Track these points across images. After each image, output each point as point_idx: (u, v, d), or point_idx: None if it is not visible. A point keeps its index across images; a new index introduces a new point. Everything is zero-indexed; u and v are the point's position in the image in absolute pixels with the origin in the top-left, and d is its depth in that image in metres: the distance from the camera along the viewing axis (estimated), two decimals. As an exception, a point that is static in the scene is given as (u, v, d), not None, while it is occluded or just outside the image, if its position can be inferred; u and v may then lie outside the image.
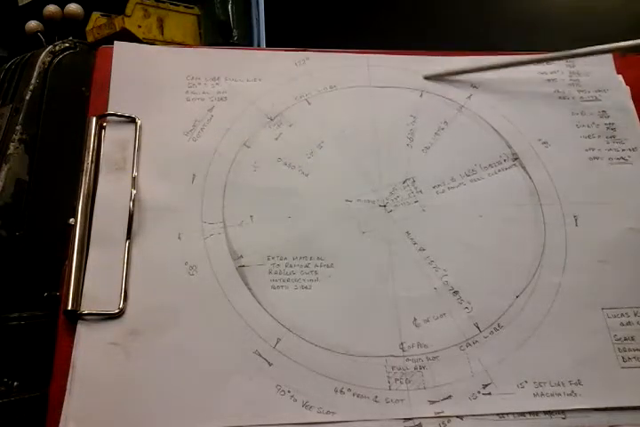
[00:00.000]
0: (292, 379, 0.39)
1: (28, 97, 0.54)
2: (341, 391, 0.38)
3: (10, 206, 0.50)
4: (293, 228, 0.44)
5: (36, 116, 0.54)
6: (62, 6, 0.67)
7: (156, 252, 0.42)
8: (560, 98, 0.51)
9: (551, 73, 0.52)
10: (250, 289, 0.41)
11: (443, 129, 0.49)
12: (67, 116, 0.54)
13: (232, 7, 0.73)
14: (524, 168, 0.48)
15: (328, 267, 0.43)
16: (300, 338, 0.40)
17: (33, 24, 0.67)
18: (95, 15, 0.70)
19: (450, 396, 0.39)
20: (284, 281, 0.42)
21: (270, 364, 0.39)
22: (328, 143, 0.48)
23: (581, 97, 0.51)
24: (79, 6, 0.67)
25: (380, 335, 0.41)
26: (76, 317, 0.39)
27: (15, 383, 0.46)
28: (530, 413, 0.38)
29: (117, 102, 0.47)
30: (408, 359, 0.40)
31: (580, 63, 0.53)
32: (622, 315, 0.42)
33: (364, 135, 0.48)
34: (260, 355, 0.39)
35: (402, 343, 0.40)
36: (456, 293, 0.42)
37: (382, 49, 0.53)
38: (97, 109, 0.46)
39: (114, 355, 0.38)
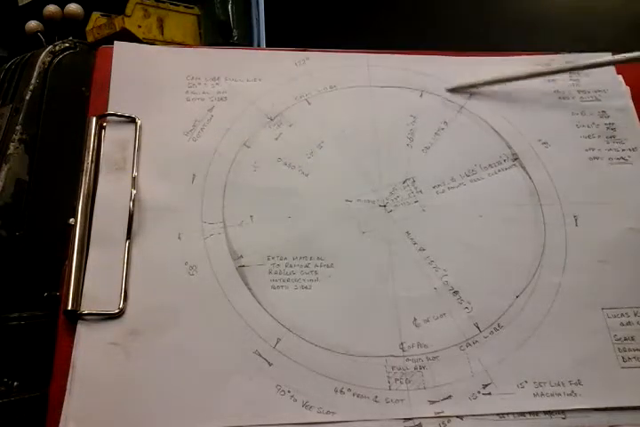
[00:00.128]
0: (292, 379, 0.39)
1: (28, 97, 0.54)
2: (341, 391, 0.38)
3: (10, 206, 0.50)
4: (293, 228, 0.44)
5: (36, 116, 0.54)
6: (62, 6, 0.67)
7: (156, 252, 0.42)
8: (560, 98, 0.51)
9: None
10: (250, 289, 0.41)
11: (443, 129, 0.49)
12: (67, 116, 0.54)
13: (232, 7, 0.73)
14: (523, 168, 0.48)
15: (328, 267, 0.43)
16: (300, 338, 0.40)
17: (33, 24, 0.67)
18: (95, 15, 0.70)
19: (450, 396, 0.39)
20: (284, 281, 0.42)
21: (270, 364, 0.39)
22: (328, 143, 0.48)
23: (581, 97, 0.51)
24: (79, 6, 0.67)
25: (380, 335, 0.41)
26: (76, 317, 0.39)
27: (15, 383, 0.46)
28: (530, 413, 0.38)
29: (117, 102, 0.47)
30: (408, 359, 0.40)
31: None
32: (622, 315, 0.42)
33: (363, 135, 0.48)
34: (260, 355, 0.39)
35: (402, 343, 0.40)
36: (456, 293, 0.42)
37: (382, 49, 0.53)
38: (97, 109, 0.46)
39: (114, 355, 0.38)
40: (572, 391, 0.39)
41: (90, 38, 0.69)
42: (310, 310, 0.41)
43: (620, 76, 0.52)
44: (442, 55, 0.53)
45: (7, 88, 0.57)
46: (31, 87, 0.54)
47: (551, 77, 0.52)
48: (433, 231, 0.45)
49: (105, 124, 0.46)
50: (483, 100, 0.50)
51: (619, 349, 0.41)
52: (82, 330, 0.38)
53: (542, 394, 0.39)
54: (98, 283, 0.40)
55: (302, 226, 0.44)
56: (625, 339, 0.41)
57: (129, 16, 0.67)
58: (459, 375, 0.40)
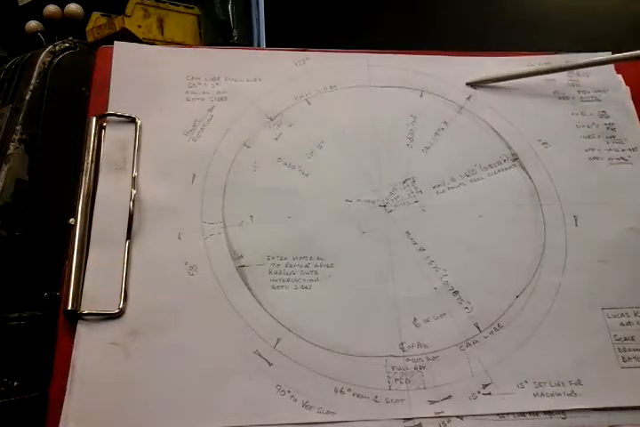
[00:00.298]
0: (292, 379, 0.39)
1: (28, 97, 0.54)
2: (341, 391, 0.38)
3: (10, 206, 0.50)
4: (293, 228, 0.44)
5: (36, 116, 0.54)
6: (62, 6, 0.67)
7: (156, 252, 0.42)
8: (560, 98, 0.51)
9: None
10: (250, 289, 0.41)
11: (443, 129, 0.49)
12: (67, 116, 0.54)
13: (232, 7, 0.73)
14: (523, 168, 0.48)
15: (328, 267, 0.43)
16: (300, 338, 0.40)
17: (33, 24, 0.67)
18: (95, 15, 0.70)
19: (450, 396, 0.39)
20: (284, 281, 0.42)
21: (270, 364, 0.39)
22: (328, 143, 0.48)
23: (581, 97, 0.51)
24: (79, 6, 0.67)
25: (380, 335, 0.41)
26: (76, 317, 0.39)
27: (15, 383, 0.46)
28: (530, 413, 0.38)
29: (117, 102, 0.47)
30: (408, 359, 0.40)
31: (580, 63, 0.53)
32: (622, 315, 0.42)
33: (363, 135, 0.48)
34: (260, 355, 0.39)
35: (402, 343, 0.40)
36: (456, 293, 0.42)
37: (382, 49, 0.53)
38: (97, 109, 0.46)
39: (114, 355, 0.38)
40: (572, 391, 0.39)
41: (90, 38, 0.69)
42: (310, 310, 0.41)
43: (620, 76, 0.52)
44: (442, 55, 0.53)
45: (7, 88, 0.57)
46: (31, 87, 0.54)
47: (551, 77, 0.52)
48: (433, 231, 0.45)
49: (105, 124, 0.46)
50: (483, 100, 0.50)
51: (619, 349, 0.41)
52: (82, 330, 0.38)
53: (542, 394, 0.39)
54: (98, 283, 0.40)
55: (302, 226, 0.44)
56: (625, 339, 0.41)
57: (129, 16, 0.67)
58: (459, 375, 0.40)
